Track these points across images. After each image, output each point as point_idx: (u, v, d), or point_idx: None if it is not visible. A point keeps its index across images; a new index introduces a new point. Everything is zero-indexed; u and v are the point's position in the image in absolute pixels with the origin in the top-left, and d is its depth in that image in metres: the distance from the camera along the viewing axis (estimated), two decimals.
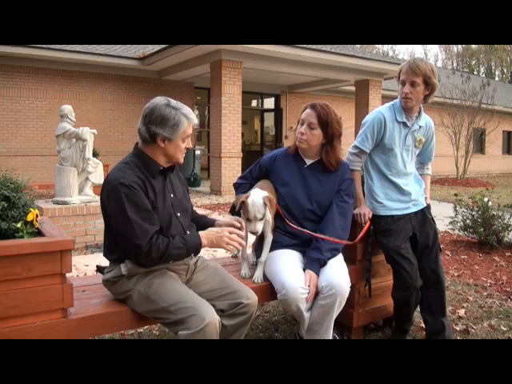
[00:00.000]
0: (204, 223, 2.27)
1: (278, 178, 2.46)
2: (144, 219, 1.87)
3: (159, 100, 1.98)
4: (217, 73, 9.79)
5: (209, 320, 1.78)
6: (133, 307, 1.95)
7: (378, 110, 2.55)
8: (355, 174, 2.59)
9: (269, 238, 2.36)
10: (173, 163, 2.07)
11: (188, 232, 2.09)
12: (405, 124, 2.50)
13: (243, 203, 2.26)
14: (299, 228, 2.32)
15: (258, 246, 2.53)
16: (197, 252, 2.02)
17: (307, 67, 10.86)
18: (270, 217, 2.31)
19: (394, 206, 2.54)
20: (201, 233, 2.01)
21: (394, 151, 2.51)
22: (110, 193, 1.89)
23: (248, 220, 2.26)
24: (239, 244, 2.03)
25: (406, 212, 2.55)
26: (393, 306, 2.65)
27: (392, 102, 2.54)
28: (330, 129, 2.37)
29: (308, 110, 2.40)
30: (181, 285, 1.99)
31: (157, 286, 1.91)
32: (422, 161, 2.77)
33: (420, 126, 2.55)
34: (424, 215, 2.59)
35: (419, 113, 2.54)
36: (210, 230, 2.08)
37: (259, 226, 2.26)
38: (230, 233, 2.02)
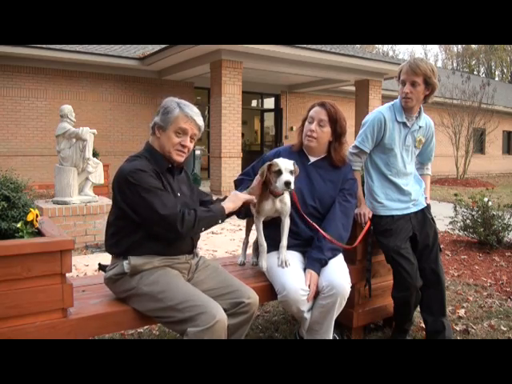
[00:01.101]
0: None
1: None
2: (167, 193, 1.95)
3: (171, 99, 2.06)
4: (217, 73, 9.79)
5: (219, 318, 1.79)
6: (134, 306, 1.95)
7: (378, 110, 2.55)
8: (356, 174, 2.60)
9: (287, 220, 2.32)
10: (171, 160, 2.05)
11: None
12: (405, 124, 2.50)
13: (270, 165, 2.20)
14: (308, 219, 2.33)
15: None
16: (223, 216, 2.08)
17: (307, 67, 10.86)
18: (288, 198, 2.31)
19: (393, 206, 2.54)
20: (225, 203, 2.13)
21: (393, 151, 2.51)
22: (127, 179, 1.89)
23: (278, 173, 2.17)
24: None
25: (405, 212, 2.55)
26: (393, 306, 2.65)
27: (392, 102, 2.55)
28: (338, 126, 2.40)
29: (317, 108, 2.42)
30: (186, 283, 1.99)
31: (163, 284, 1.91)
32: (422, 161, 2.77)
33: (420, 127, 2.55)
34: (424, 215, 2.59)
35: (419, 113, 2.54)
36: (228, 200, 2.16)
37: (292, 178, 2.17)
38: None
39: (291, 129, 14.84)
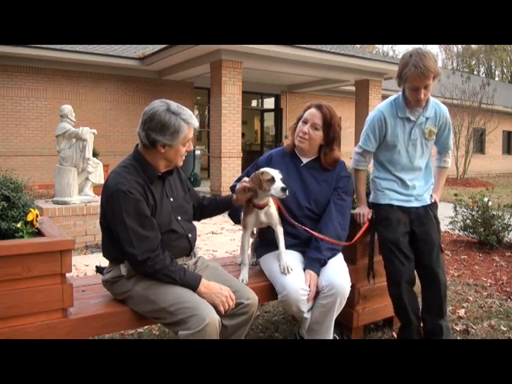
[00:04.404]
0: (221, 201, 2.33)
1: None
2: (142, 226, 1.87)
3: (159, 105, 1.94)
4: (217, 73, 9.79)
5: (209, 320, 1.78)
6: (133, 307, 1.95)
7: (379, 107, 2.52)
8: (360, 174, 2.59)
9: (279, 229, 2.30)
10: (172, 167, 2.06)
11: (190, 235, 2.10)
12: (408, 119, 2.45)
13: (262, 173, 2.16)
14: (299, 225, 2.31)
15: (258, 245, 2.54)
16: (188, 287, 1.92)
17: (307, 67, 10.85)
18: (273, 209, 2.27)
19: (394, 197, 2.51)
20: (205, 281, 1.95)
21: (397, 148, 2.47)
22: (108, 198, 1.89)
23: (272, 181, 2.14)
24: (226, 306, 1.92)
25: (406, 205, 2.50)
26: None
27: (394, 97, 2.48)
28: (331, 131, 2.39)
29: (313, 111, 2.39)
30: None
31: (156, 286, 1.91)
32: (439, 150, 2.68)
33: (427, 118, 2.46)
34: (426, 212, 2.53)
35: (426, 103, 2.44)
36: (215, 283, 1.98)
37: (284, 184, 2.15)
38: (230, 296, 1.94)
39: None
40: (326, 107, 2.39)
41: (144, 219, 1.88)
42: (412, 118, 2.45)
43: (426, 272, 2.50)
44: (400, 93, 2.47)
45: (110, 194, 1.88)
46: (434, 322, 2.50)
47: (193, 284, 1.91)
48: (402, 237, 2.46)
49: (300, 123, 2.43)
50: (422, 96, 2.32)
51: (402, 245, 2.45)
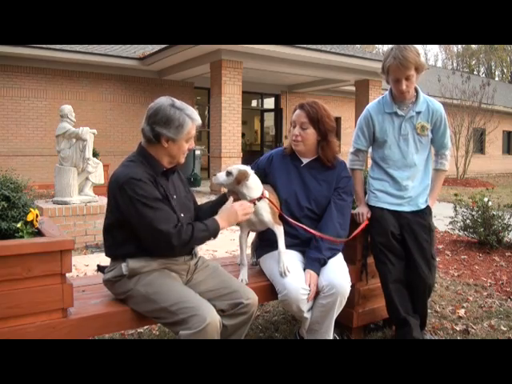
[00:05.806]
0: (216, 203, 2.31)
1: (276, 178, 2.46)
2: (163, 205, 1.91)
3: (164, 100, 1.98)
4: (217, 73, 9.79)
5: (210, 320, 1.78)
6: (133, 307, 1.95)
7: (367, 106, 2.57)
8: (356, 174, 2.59)
9: (277, 229, 2.28)
10: (174, 164, 2.07)
11: None
12: (396, 113, 2.44)
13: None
14: (297, 223, 2.31)
15: (258, 245, 2.54)
16: (216, 235, 2.03)
17: (307, 67, 10.86)
18: (263, 210, 2.24)
19: (385, 200, 2.50)
20: (216, 217, 2.04)
21: (387, 143, 2.47)
22: (120, 189, 1.88)
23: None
24: (248, 211, 2.09)
25: (397, 209, 2.49)
26: None
27: (382, 96, 2.52)
28: (321, 125, 2.37)
29: (298, 111, 2.41)
30: (181, 285, 1.99)
31: (157, 285, 1.91)
32: (436, 149, 2.62)
33: (418, 112, 2.44)
34: (417, 219, 2.48)
35: (416, 98, 2.44)
36: (221, 211, 2.08)
37: (222, 177, 2.22)
38: (242, 205, 2.07)
39: None
40: (308, 104, 2.39)
41: (162, 201, 1.93)
42: (400, 113, 2.44)
43: (413, 275, 2.48)
44: (387, 92, 2.50)
45: (121, 184, 1.87)
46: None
47: (217, 228, 2.00)
48: (392, 239, 2.46)
49: (291, 127, 2.46)
50: (404, 87, 2.32)
51: (391, 247, 2.46)
